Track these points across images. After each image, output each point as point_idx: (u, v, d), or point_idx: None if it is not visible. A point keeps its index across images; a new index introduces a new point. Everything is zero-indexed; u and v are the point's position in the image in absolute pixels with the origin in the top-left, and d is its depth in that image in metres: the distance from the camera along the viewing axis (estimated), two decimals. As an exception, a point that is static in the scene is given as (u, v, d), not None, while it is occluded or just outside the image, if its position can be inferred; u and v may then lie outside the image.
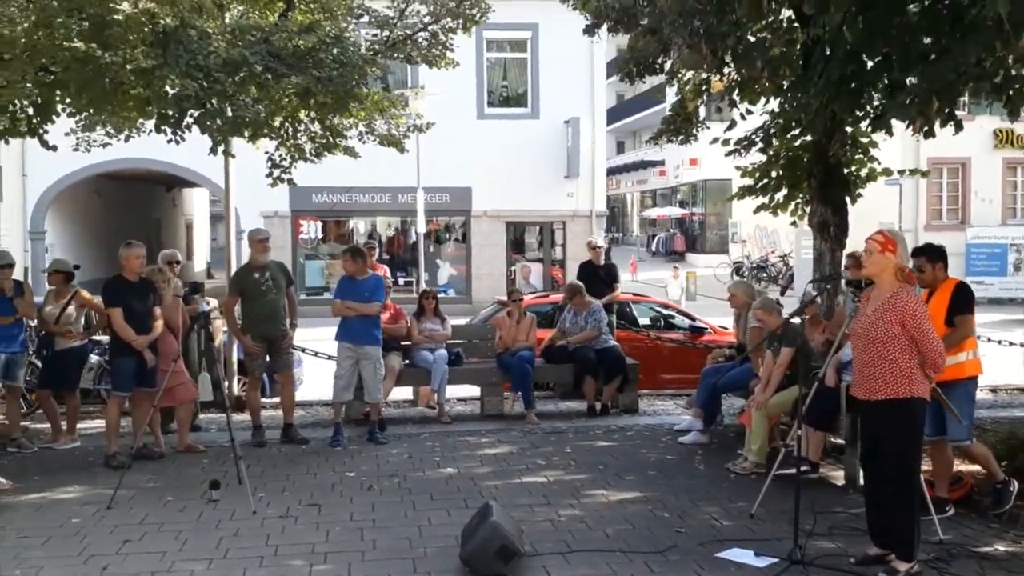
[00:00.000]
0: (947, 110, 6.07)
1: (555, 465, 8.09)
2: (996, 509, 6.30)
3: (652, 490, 7.25)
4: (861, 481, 7.10)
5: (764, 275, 29.68)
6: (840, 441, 7.76)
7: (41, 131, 9.22)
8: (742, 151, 10.04)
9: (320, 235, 24.81)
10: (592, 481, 7.54)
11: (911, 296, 5.23)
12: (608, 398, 10.35)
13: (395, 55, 9.72)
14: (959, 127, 6.43)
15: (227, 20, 8.82)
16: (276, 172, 10.35)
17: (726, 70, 8.50)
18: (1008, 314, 20.75)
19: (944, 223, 26.79)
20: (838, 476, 7.49)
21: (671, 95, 39.32)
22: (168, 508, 6.83)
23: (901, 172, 11.11)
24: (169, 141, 8.89)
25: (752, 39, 7.50)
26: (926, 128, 7.02)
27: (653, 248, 44.15)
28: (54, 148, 9.47)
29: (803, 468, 7.12)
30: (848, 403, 7.06)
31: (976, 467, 6.96)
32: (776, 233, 32.94)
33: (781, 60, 7.58)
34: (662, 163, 46.90)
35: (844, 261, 8.41)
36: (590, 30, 9.57)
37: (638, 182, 51.41)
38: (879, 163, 10.30)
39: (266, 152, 10.32)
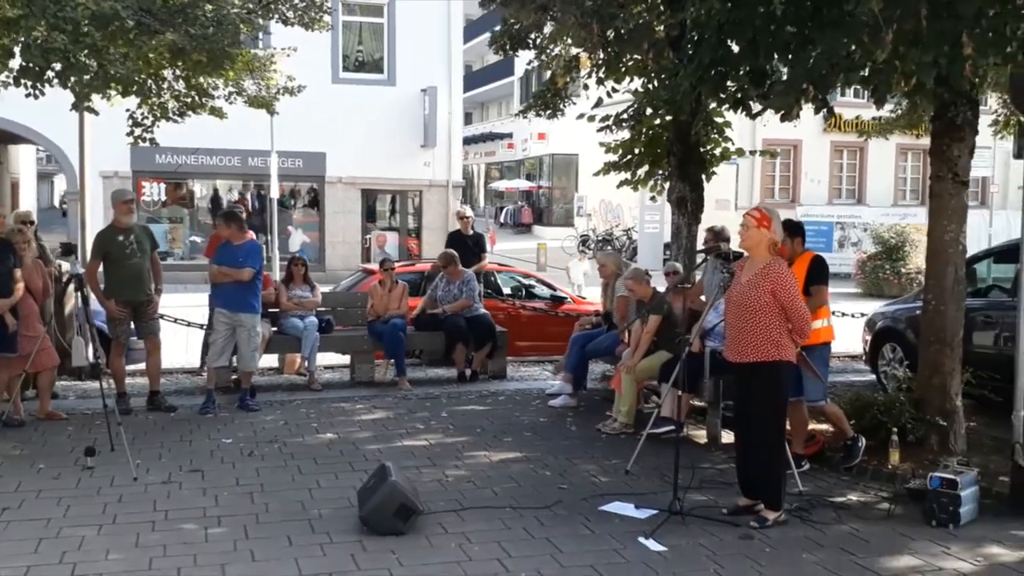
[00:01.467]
0: (820, 98, 6.56)
1: (433, 429, 8.27)
2: (847, 463, 6.93)
3: (530, 450, 7.56)
4: (723, 439, 7.71)
5: (609, 248, 30.58)
6: (702, 403, 8.29)
7: None
8: (613, 127, 10.43)
9: (163, 198, 23.84)
10: (472, 443, 7.78)
11: (783, 268, 5.70)
12: (478, 364, 10.60)
13: (270, 15, 9.54)
14: (831, 113, 6.97)
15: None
16: (138, 131, 9.98)
17: (609, 50, 8.81)
18: (833, 287, 22.28)
19: (777, 201, 28.41)
20: (701, 435, 8.01)
21: (519, 69, 39.50)
22: (42, 476, 6.62)
23: (753, 152, 11.79)
24: (28, 95, 8.45)
25: (639, 21, 7.83)
26: (788, 113, 7.53)
27: (501, 220, 44.70)
28: None
29: (669, 428, 7.61)
30: (711, 367, 7.56)
31: (825, 426, 7.62)
32: (620, 208, 34.05)
33: (666, 43, 7.95)
34: (510, 136, 47.48)
35: (704, 235, 8.92)
36: (486, 3, 9.70)
37: (486, 154, 51.81)
38: (732, 143, 10.93)
39: (127, 110, 9.94)
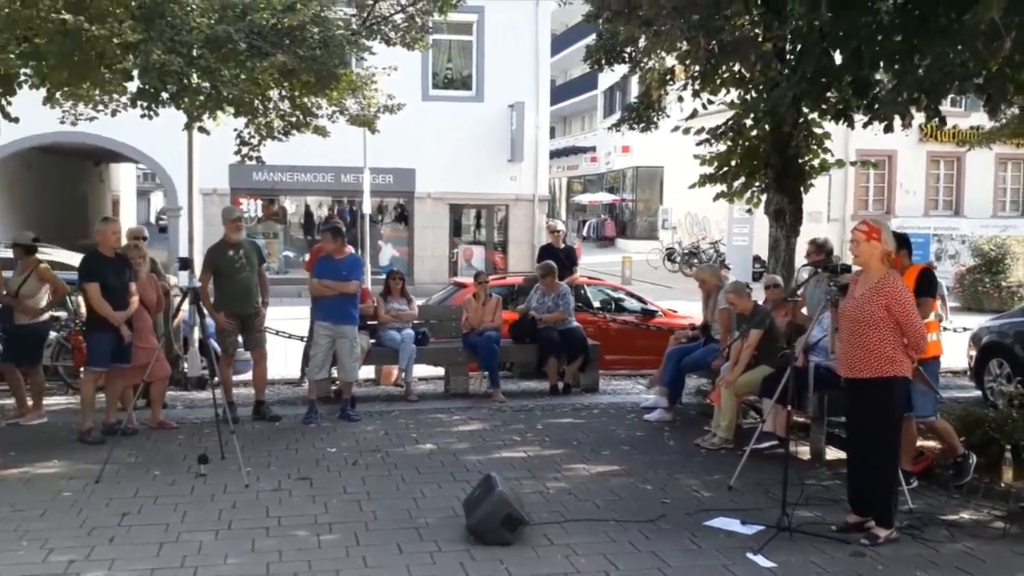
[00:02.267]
0: (933, 107, 6.45)
1: (530, 441, 8.33)
2: (957, 481, 6.76)
3: (629, 464, 7.55)
4: (827, 455, 7.59)
5: (696, 261, 30.26)
6: (803, 419, 8.16)
7: (3, 102, 9.06)
8: (712, 140, 10.38)
9: (260, 214, 24.51)
10: (570, 456, 7.80)
11: (897, 282, 5.60)
12: (571, 377, 10.63)
13: (373, 36, 9.78)
14: (943, 122, 6.84)
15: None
16: (244, 150, 10.34)
17: (712, 62, 8.79)
18: (931, 302, 21.65)
19: (870, 213, 27.73)
20: (804, 451, 7.89)
21: (602, 83, 39.42)
22: (157, 482, 6.87)
23: (853, 163, 11.59)
24: (143, 116, 8.84)
25: (739, 33, 7.82)
26: (893, 123, 7.42)
27: (584, 233, 44.64)
28: (16, 120, 9.30)
29: (772, 443, 7.53)
30: (816, 382, 7.45)
31: (933, 442, 7.43)
32: (706, 220, 33.68)
33: (772, 54, 7.92)
34: (593, 149, 47.50)
35: (806, 247, 8.79)
36: (590, 18, 9.80)
37: (569, 167, 51.87)
38: (832, 154, 10.77)
39: (235, 129, 10.29)
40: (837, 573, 5.20)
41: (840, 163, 10.80)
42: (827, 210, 26.71)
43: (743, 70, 8.88)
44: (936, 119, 6.64)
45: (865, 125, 7.49)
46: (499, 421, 9.11)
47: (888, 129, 7.49)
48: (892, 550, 5.54)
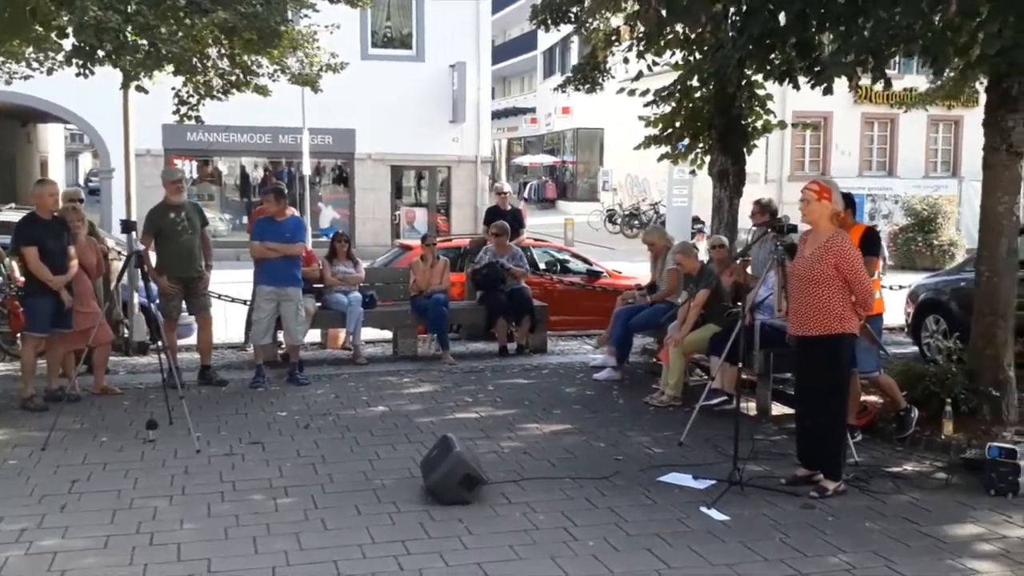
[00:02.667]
0: (879, 69, 6.54)
1: (482, 402, 8.36)
2: (900, 434, 6.97)
3: (581, 423, 7.64)
4: (773, 411, 7.77)
5: (636, 222, 30.56)
6: (749, 376, 8.31)
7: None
8: (657, 102, 10.41)
9: (195, 175, 23.99)
10: (522, 416, 7.86)
11: (846, 241, 5.71)
12: (523, 338, 10.68)
13: (315, -6, 9.60)
14: (888, 84, 6.94)
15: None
16: (183, 109, 10.08)
17: (660, 23, 8.78)
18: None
19: (806, 174, 28.12)
20: (750, 407, 8.04)
21: (542, 43, 39.34)
22: (105, 448, 6.75)
23: (795, 125, 11.74)
24: (78, 75, 8.55)
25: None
26: (830, 84, 7.50)
27: (525, 195, 44.62)
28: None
29: (722, 399, 7.68)
30: (761, 340, 7.58)
31: (875, 397, 7.65)
32: (646, 182, 33.92)
33: (722, 16, 7.95)
34: (533, 111, 47.36)
35: (751, 207, 8.90)
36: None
37: (509, 129, 51.67)
38: (774, 116, 10.89)
39: (172, 88, 10.02)
40: (789, 525, 5.33)
41: (782, 124, 10.95)
42: (764, 171, 27.05)
43: (689, 31, 8.91)
44: (882, 81, 6.74)
45: (813, 86, 7.56)
46: (450, 383, 9.12)
47: (828, 91, 7.57)
48: (841, 502, 5.70)
